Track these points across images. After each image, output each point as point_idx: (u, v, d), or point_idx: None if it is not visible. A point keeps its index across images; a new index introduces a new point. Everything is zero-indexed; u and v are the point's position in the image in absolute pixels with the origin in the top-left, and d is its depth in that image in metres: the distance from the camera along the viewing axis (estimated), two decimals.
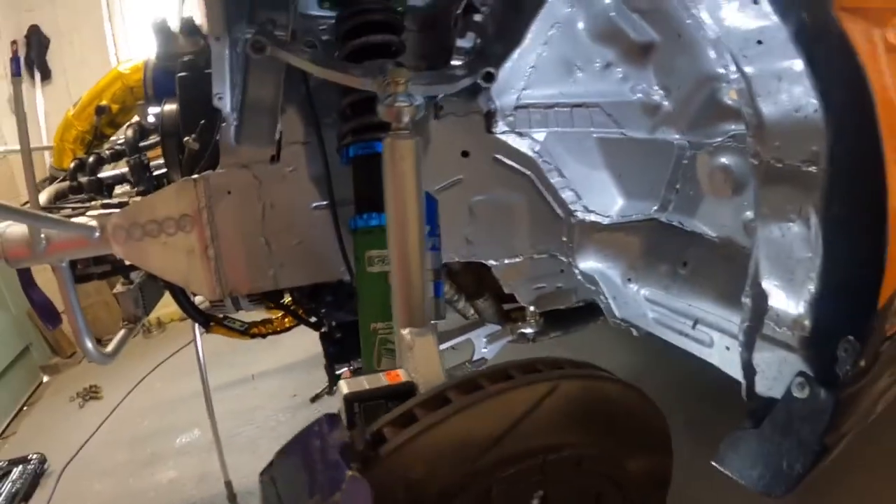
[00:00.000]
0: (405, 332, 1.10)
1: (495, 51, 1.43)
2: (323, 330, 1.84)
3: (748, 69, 1.04)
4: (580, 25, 1.40)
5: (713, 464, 1.18)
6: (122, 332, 2.01)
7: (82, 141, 2.15)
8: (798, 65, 0.96)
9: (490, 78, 1.39)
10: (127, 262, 1.60)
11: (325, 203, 1.54)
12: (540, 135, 1.59)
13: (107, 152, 1.96)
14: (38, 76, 4.51)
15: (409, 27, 1.50)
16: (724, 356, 1.37)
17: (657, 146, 1.53)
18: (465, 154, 1.60)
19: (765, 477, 1.11)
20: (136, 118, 2.08)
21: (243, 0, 1.23)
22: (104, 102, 2.12)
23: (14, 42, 1.49)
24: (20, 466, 3.38)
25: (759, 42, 0.99)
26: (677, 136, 1.48)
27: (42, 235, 1.52)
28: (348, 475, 0.75)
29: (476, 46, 1.47)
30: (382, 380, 0.99)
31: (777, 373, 1.14)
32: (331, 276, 1.59)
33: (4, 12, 4.41)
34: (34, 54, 4.46)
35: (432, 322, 1.47)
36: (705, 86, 1.34)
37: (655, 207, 1.63)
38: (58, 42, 4.62)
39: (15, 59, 1.56)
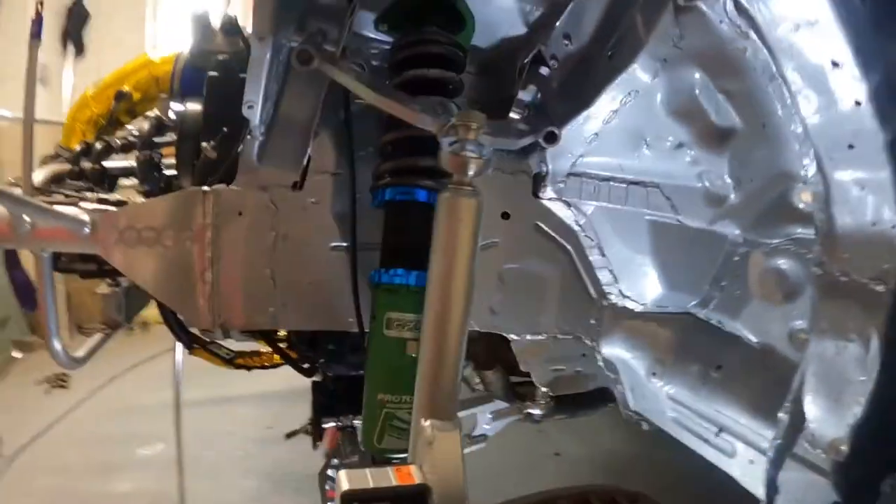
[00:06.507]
0: (426, 423, 0.93)
1: (557, 110, 1.30)
2: (316, 378, 1.66)
3: (831, 173, 0.98)
4: (659, 98, 1.28)
5: None
6: (97, 337, 1.88)
7: (95, 124, 2.02)
8: (885, 176, 0.92)
9: (552, 139, 1.26)
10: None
11: (344, 245, 1.38)
12: (588, 207, 1.46)
13: (117, 141, 1.82)
14: (71, 49, 4.43)
15: (468, 69, 1.37)
16: (746, 470, 1.28)
17: (709, 238, 1.42)
18: (505, 216, 1.45)
19: None
20: (156, 111, 1.96)
21: (296, 3, 1.09)
22: (126, 88, 2.00)
23: (40, 2, 1.36)
24: None
25: (851, 146, 0.94)
26: (738, 232, 1.37)
27: (28, 219, 1.38)
28: None
29: (535, 101, 1.35)
30: (391, 477, 0.81)
31: (802, 495, 1.08)
32: (338, 326, 1.42)
33: None
34: (71, 27, 4.39)
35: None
36: (779, 184, 1.24)
37: (695, 302, 1.50)
38: (97, 19, 4.55)
39: (37, 21, 1.41)
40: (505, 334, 1.54)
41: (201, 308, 1.34)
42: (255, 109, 1.17)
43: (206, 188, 1.34)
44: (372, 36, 1.33)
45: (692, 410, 1.45)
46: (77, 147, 1.81)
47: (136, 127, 1.90)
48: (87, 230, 1.36)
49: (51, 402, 3.83)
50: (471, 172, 0.99)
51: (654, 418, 1.56)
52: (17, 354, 4.55)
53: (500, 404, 1.82)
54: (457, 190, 1.00)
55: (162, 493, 2.74)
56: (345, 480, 0.77)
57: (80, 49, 4.64)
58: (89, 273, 1.63)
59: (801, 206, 1.21)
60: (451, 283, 0.98)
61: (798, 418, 1.07)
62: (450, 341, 0.98)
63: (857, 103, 0.91)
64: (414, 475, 0.81)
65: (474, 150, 0.98)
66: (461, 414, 1.77)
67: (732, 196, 1.33)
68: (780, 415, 1.09)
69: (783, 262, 1.27)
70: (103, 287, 1.86)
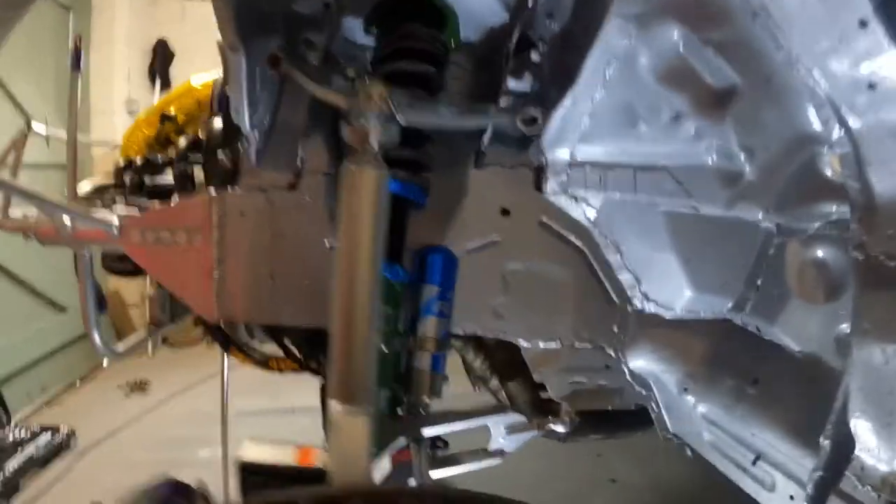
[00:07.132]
0: (335, 404, 0.91)
1: (552, 96, 1.22)
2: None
3: (855, 125, 0.82)
4: (643, 61, 1.12)
5: None
6: (140, 333, 2.01)
7: (147, 143, 2.18)
8: None
9: (532, 122, 1.17)
10: None
11: None
12: (597, 200, 1.33)
13: (159, 158, 1.96)
14: (158, 84, 4.85)
15: (463, 65, 1.36)
16: None
17: (737, 228, 1.23)
18: (505, 212, 1.39)
19: None
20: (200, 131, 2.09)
21: (273, 16, 1.13)
22: (171, 111, 2.15)
23: (77, 37, 1.55)
24: (49, 434, 3.55)
25: (871, 86, 0.79)
26: (761, 216, 1.17)
27: (69, 223, 1.55)
28: None
29: (533, 90, 1.29)
30: (290, 456, 0.81)
31: None
32: None
33: (136, 23, 4.83)
34: (158, 64, 4.82)
35: (425, 400, 1.27)
36: (800, 150, 1.02)
37: (730, 305, 1.33)
38: (181, 57, 4.98)
39: (75, 54, 1.57)
40: (513, 340, 1.46)
41: (210, 303, 1.42)
42: (241, 115, 1.22)
43: (213, 192, 1.42)
44: (364, 42, 1.35)
45: (727, 433, 1.30)
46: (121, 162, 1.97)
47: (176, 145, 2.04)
48: (115, 231, 1.49)
49: (129, 405, 4.14)
50: (373, 144, 0.97)
51: (692, 441, 1.40)
52: (105, 361, 4.95)
53: (517, 417, 1.73)
54: (358, 161, 0.98)
55: (213, 489, 2.88)
56: (246, 450, 0.78)
57: (165, 84, 5.11)
58: (127, 272, 1.76)
59: (830, 174, 0.99)
60: (356, 258, 0.96)
61: (843, 446, 0.91)
62: (357, 320, 0.95)
63: (863, 24, 0.75)
64: (314, 457, 0.79)
65: (375, 121, 0.96)
66: (470, 424, 1.72)
67: (748, 171, 1.14)
68: (823, 441, 0.93)
69: (824, 252, 1.06)
70: (150, 289, 1.99)
